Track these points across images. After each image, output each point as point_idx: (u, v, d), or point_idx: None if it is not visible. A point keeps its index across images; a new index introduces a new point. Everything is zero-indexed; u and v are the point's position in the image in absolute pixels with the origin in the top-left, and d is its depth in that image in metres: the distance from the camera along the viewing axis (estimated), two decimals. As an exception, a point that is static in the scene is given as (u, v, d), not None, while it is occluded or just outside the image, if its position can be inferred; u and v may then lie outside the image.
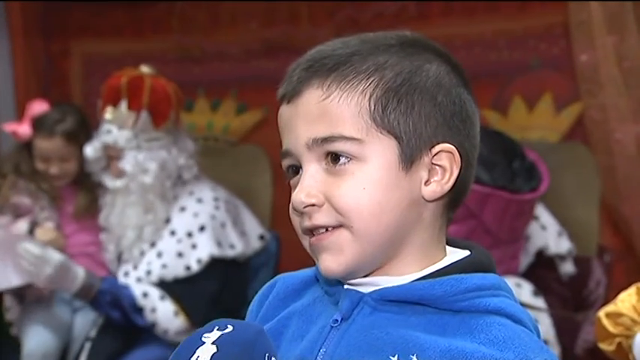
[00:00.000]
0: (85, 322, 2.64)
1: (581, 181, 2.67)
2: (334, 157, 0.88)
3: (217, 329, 0.87)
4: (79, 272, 2.36)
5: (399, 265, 0.91)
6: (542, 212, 2.45)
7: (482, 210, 2.11)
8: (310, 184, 0.88)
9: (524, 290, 2.22)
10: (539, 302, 2.25)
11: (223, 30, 3.41)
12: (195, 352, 0.85)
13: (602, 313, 1.60)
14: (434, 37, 0.96)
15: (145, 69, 2.54)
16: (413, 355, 0.85)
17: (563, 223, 2.50)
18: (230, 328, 0.87)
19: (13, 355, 2.60)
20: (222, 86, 3.42)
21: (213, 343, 0.85)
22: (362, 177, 0.87)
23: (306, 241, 0.92)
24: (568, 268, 2.46)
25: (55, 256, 2.33)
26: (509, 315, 0.87)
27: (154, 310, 2.42)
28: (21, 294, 2.63)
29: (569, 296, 2.44)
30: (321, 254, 0.90)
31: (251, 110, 3.36)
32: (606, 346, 1.60)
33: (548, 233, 2.43)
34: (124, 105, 2.47)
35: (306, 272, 1.00)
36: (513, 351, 0.83)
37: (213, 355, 0.84)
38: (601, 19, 2.55)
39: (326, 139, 0.87)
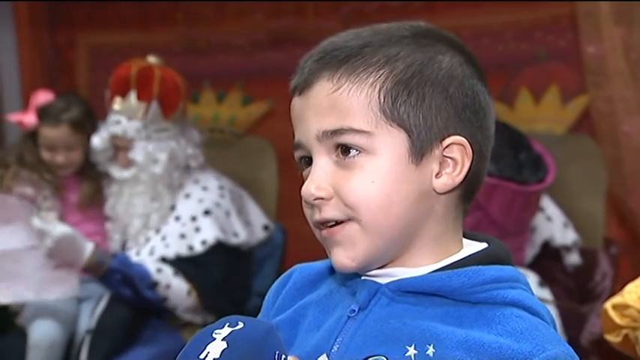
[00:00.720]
0: (91, 311, 2.65)
1: (587, 173, 2.66)
2: (344, 150, 0.88)
3: (228, 326, 0.87)
4: (87, 247, 2.36)
5: (414, 257, 0.91)
6: (547, 204, 2.45)
7: (489, 201, 2.11)
8: (320, 177, 0.88)
9: (530, 281, 2.21)
10: (545, 293, 2.26)
11: (229, 22, 3.41)
12: (205, 348, 0.85)
13: (608, 305, 1.60)
14: (440, 29, 0.96)
15: (152, 59, 2.54)
16: (430, 345, 0.85)
17: (569, 216, 2.50)
18: (241, 324, 0.87)
19: (18, 345, 2.60)
20: (228, 78, 3.43)
21: (223, 339, 0.85)
22: (371, 170, 0.87)
23: (317, 233, 0.92)
24: (574, 259, 2.46)
25: (57, 230, 2.33)
26: (526, 307, 0.87)
27: (168, 286, 2.42)
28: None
29: (575, 287, 2.44)
30: (334, 248, 0.90)
31: (257, 102, 3.36)
32: (613, 338, 1.61)
33: (553, 224, 2.43)
34: (133, 96, 2.47)
35: (323, 263, 1.00)
36: (531, 342, 0.83)
37: (223, 351, 0.84)
38: (608, 10, 2.54)
39: (336, 132, 0.87)
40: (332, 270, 0.98)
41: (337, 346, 0.90)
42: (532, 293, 0.91)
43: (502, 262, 0.91)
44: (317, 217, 0.89)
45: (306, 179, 0.90)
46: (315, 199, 0.88)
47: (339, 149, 0.88)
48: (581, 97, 2.79)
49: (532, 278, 2.26)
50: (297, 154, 0.92)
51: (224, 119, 3.40)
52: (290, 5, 3.27)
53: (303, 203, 0.91)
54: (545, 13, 2.85)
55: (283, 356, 0.87)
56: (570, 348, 0.86)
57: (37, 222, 2.33)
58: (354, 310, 0.91)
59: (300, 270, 1.03)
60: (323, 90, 0.88)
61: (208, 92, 3.46)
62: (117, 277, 2.40)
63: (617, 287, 2.46)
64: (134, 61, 2.55)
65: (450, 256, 0.91)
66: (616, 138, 2.61)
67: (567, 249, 2.45)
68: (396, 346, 0.86)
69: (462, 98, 0.89)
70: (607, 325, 1.62)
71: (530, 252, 2.39)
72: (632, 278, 1.64)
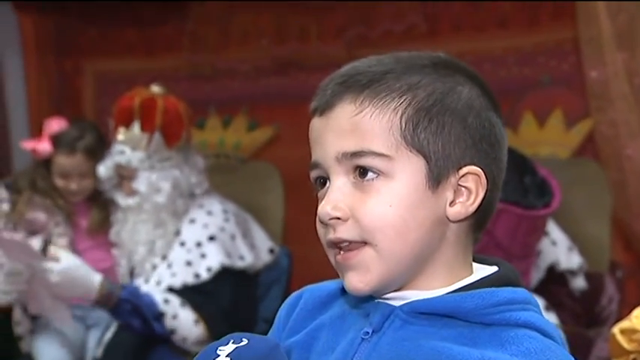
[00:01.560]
0: (97, 339, 2.64)
1: (592, 197, 2.67)
2: (362, 172, 0.89)
3: (232, 342, 0.88)
4: (95, 279, 2.33)
5: (427, 281, 0.91)
6: (552, 228, 2.44)
7: (495, 225, 2.11)
8: (337, 197, 0.89)
9: (536, 306, 2.21)
10: (552, 318, 2.25)
11: (234, 48, 3.44)
12: None
13: (616, 330, 1.59)
14: (443, 55, 0.97)
15: (155, 89, 2.54)
16: None
17: (574, 240, 2.50)
18: (245, 341, 0.88)
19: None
20: (233, 103, 3.45)
21: (227, 355, 0.86)
22: (388, 194, 0.88)
23: (331, 255, 0.92)
24: (579, 283, 2.45)
25: (57, 266, 2.32)
26: (539, 329, 0.88)
27: (175, 316, 2.41)
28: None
29: (581, 312, 2.44)
30: (348, 272, 0.91)
31: (262, 127, 3.38)
32: None
33: (558, 248, 2.43)
34: (136, 126, 2.48)
35: (332, 284, 1.01)
36: None
37: None
38: (611, 35, 2.56)
39: (355, 154, 0.88)
40: (343, 291, 0.98)
41: None
42: (542, 315, 0.92)
43: (513, 284, 0.92)
44: (331, 236, 0.90)
45: (321, 200, 0.91)
46: (331, 218, 0.89)
47: (358, 171, 0.89)
48: (585, 121, 2.80)
49: (538, 302, 2.26)
50: (313, 174, 0.93)
51: (229, 144, 3.42)
52: (294, 31, 3.30)
53: (317, 222, 0.92)
54: (548, 38, 2.87)
55: None
56: None
57: (38, 260, 2.30)
58: (368, 332, 0.91)
59: (311, 291, 1.03)
60: (345, 112, 0.89)
61: (214, 118, 3.48)
62: (127, 308, 2.37)
63: (624, 311, 2.45)
64: (137, 91, 2.56)
65: (461, 280, 0.92)
66: (620, 162, 2.61)
67: (573, 273, 2.45)
68: None
69: (480, 129, 0.90)
70: (615, 350, 1.59)
71: (536, 276, 2.39)
72: (639, 302, 1.63)
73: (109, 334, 2.53)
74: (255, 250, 2.65)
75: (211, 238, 2.50)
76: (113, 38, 3.64)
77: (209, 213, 2.56)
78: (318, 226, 0.92)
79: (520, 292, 0.91)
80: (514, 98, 2.93)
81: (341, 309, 0.98)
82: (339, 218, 0.89)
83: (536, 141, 2.86)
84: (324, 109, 0.91)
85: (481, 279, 0.92)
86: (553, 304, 2.32)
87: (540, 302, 2.26)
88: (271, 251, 2.71)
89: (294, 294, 1.05)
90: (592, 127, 2.75)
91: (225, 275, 2.50)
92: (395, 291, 0.92)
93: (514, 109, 2.93)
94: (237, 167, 3.31)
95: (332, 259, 0.92)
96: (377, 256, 0.88)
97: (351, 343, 0.92)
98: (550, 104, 2.88)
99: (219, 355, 0.86)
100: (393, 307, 0.91)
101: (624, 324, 1.57)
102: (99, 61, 3.68)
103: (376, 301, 0.93)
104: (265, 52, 3.35)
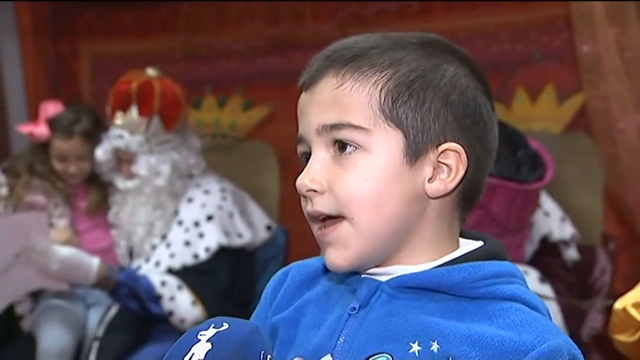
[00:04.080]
0: (98, 318, 2.67)
1: (584, 171, 2.69)
2: (341, 146, 0.89)
3: (213, 327, 0.88)
4: (93, 263, 2.38)
5: (410, 256, 0.92)
6: (545, 199, 2.47)
7: (491, 201, 2.14)
8: (316, 170, 0.90)
9: (531, 277, 2.24)
10: (546, 289, 2.28)
11: (229, 28, 3.44)
12: (190, 350, 0.86)
13: (627, 304, 1.53)
14: (437, 32, 0.97)
15: (151, 72, 2.55)
16: (434, 340, 0.86)
17: (567, 213, 2.52)
18: (226, 325, 0.88)
19: (26, 351, 2.62)
20: (229, 83, 3.46)
21: (208, 340, 0.86)
22: (365, 167, 0.88)
23: (314, 229, 0.93)
24: (572, 253, 2.48)
25: (61, 252, 2.36)
26: (524, 301, 0.89)
27: (172, 298, 2.44)
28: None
29: (575, 281, 2.47)
30: (327, 248, 0.92)
31: (257, 106, 3.40)
32: (626, 338, 1.54)
33: (551, 219, 2.45)
34: (134, 111, 2.49)
35: (319, 260, 1.01)
36: (531, 334, 0.85)
37: (207, 352, 0.85)
38: (602, 10, 2.57)
39: (334, 126, 0.89)
40: None
41: (340, 344, 0.91)
42: (527, 288, 0.93)
43: (498, 258, 0.93)
44: (309, 208, 0.91)
45: None
46: (308, 190, 0.90)
47: (337, 145, 0.90)
48: (577, 95, 2.82)
49: (533, 274, 2.28)
50: (299, 149, 0.94)
51: (225, 124, 3.44)
52: (288, 11, 3.30)
53: (300, 195, 0.93)
54: (540, 14, 2.88)
55: (269, 356, 0.88)
56: (569, 338, 0.88)
57: (36, 251, 2.34)
58: (355, 308, 0.92)
59: (298, 268, 1.04)
60: (327, 86, 0.90)
61: (209, 98, 3.50)
62: (124, 291, 2.41)
63: (616, 283, 2.49)
64: (133, 74, 2.56)
65: (446, 255, 0.92)
66: (612, 135, 2.63)
67: (565, 243, 2.47)
68: (399, 342, 0.87)
69: (463, 107, 0.90)
70: (620, 325, 1.55)
71: (530, 248, 2.42)
72: (631, 273, 1.63)
73: (111, 314, 2.56)
74: (253, 227, 2.67)
75: (209, 218, 2.53)
76: (109, 20, 3.64)
77: (206, 192, 2.58)
78: (302, 199, 0.92)
79: (505, 266, 0.92)
80: (507, 74, 2.94)
81: (327, 285, 0.98)
82: (315, 191, 0.90)
83: (529, 116, 2.88)
84: (310, 83, 0.92)
85: (466, 253, 0.92)
86: (547, 276, 2.35)
87: (535, 274, 2.30)
88: (269, 228, 2.74)
89: (280, 271, 1.06)
90: (584, 102, 2.77)
91: (224, 254, 2.52)
92: (380, 267, 0.92)
93: (507, 85, 2.94)
94: (234, 146, 3.33)
95: (315, 233, 0.93)
96: (354, 231, 0.89)
97: (338, 319, 0.93)
98: (542, 79, 2.89)
99: (199, 340, 0.86)
100: (379, 282, 0.91)
101: (635, 298, 1.52)
102: (95, 43, 3.68)
103: (362, 276, 0.94)
104: (260, 32, 3.35)
